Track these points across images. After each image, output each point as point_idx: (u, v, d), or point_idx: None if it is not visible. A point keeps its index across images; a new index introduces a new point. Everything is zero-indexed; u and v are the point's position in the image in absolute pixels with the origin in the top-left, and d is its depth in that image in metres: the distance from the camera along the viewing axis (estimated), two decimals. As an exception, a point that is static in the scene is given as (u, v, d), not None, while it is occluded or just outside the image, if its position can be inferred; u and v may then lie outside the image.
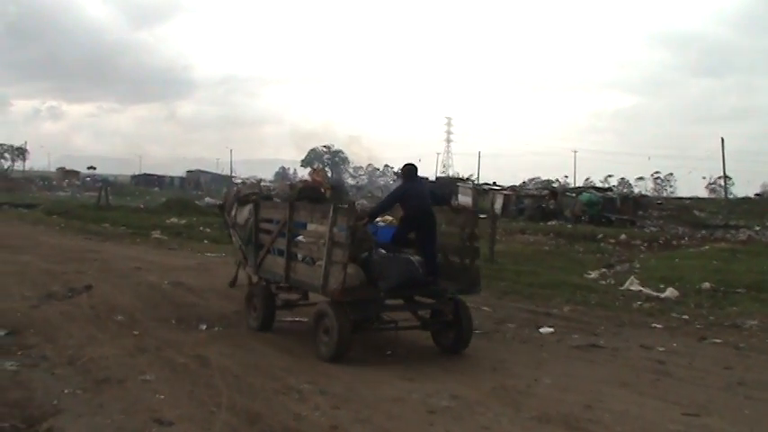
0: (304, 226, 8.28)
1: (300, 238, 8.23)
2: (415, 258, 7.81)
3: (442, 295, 7.99)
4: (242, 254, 9.64)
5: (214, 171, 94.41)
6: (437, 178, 74.01)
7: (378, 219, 8.72)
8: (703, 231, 31.28)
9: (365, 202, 54.76)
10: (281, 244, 8.44)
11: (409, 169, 8.40)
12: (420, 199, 8.23)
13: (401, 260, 7.71)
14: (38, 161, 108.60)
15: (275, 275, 8.70)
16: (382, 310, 7.97)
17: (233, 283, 10.45)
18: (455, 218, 8.52)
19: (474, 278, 8.13)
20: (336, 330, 7.22)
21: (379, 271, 7.56)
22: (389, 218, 8.99)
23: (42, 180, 73.90)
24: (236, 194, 10.23)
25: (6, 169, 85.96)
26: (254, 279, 9.43)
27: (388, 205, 8.59)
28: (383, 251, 7.81)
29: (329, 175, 65.18)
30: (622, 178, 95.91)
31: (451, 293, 7.99)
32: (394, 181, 61.81)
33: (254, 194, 9.80)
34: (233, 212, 10.01)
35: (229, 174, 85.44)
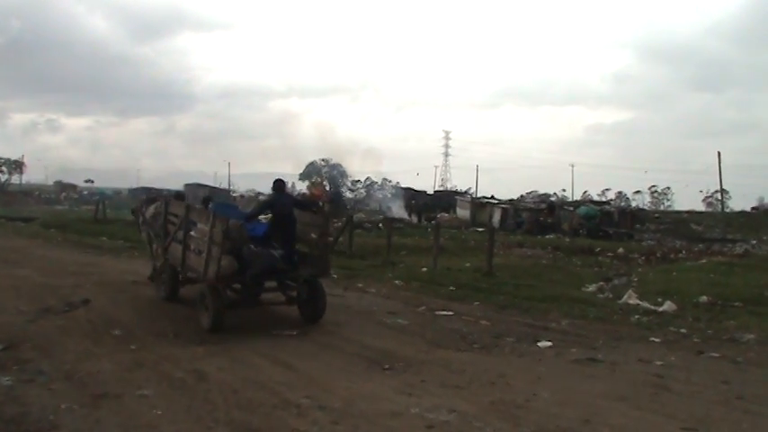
0: (195, 224, 10.31)
1: (193, 233, 10.27)
2: (278, 252, 10.12)
3: (299, 279, 10.42)
4: (150, 248, 12.39)
5: (212, 185, 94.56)
6: (435, 191, 74.13)
7: (261, 217, 11.51)
8: (701, 245, 31.33)
9: (363, 214, 54.60)
10: (180, 236, 10.66)
11: (278, 183, 11.08)
12: (284, 206, 10.72)
13: (265, 254, 9.97)
14: (35, 174, 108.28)
15: (175, 260, 10.93)
16: (252, 293, 10.50)
17: (152, 277, 12.49)
18: (315, 219, 11.11)
19: (325, 265, 10.76)
20: (212, 308, 9.46)
21: (248, 262, 9.75)
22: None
23: (40, 193, 73.80)
24: (147, 197, 13.19)
25: (3, 182, 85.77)
26: (162, 260, 11.76)
27: (260, 211, 11.27)
28: (252, 247, 9.95)
29: (327, 188, 65.09)
30: (620, 192, 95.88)
31: (307, 277, 10.38)
32: (392, 195, 61.81)
33: (158, 197, 13.11)
34: (144, 211, 12.58)
35: (227, 187, 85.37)
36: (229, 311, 9.77)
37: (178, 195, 14.84)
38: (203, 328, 9.45)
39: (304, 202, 13.91)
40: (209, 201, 12.63)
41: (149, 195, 13.20)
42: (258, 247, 10.02)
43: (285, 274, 10.33)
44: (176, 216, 10.98)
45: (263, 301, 10.92)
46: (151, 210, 12.25)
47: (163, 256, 11.61)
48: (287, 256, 10.28)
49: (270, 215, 11.21)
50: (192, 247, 10.26)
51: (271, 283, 10.55)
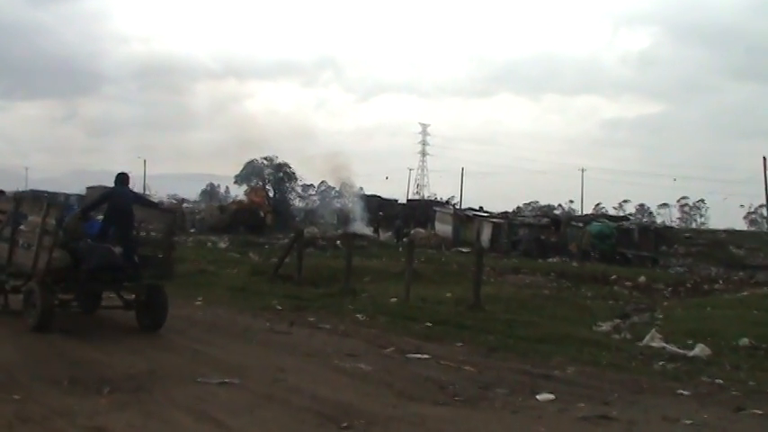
0: (26, 217, 11.97)
1: (23, 227, 11.80)
2: (116, 249, 11.76)
3: (139, 280, 12.03)
4: None
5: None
6: (409, 200, 74.41)
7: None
8: (741, 273, 31.83)
9: (316, 229, 54.52)
10: (8, 232, 12.05)
11: (120, 177, 12.72)
12: (122, 201, 12.40)
13: (102, 248, 11.58)
14: None
15: (2, 259, 12.29)
16: (85, 291, 12.16)
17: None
18: (161, 217, 13.20)
19: (168, 268, 12.79)
20: (40, 305, 10.83)
21: (82, 256, 11.23)
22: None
23: None
24: None
25: None
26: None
27: (96, 204, 12.93)
28: (89, 241, 11.69)
29: (271, 194, 64.84)
30: (642, 205, 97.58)
31: (147, 279, 12.11)
32: (354, 204, 61.80)
33: None
34: None
35: (142, 191, 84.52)
36: (60, 312, 11.53)
37: None
38: (30, 329, 10.93)
39: (147, 200, 15.57)
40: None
41: None
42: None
43: (124, 273, 11.95)
44: (3, 213, 12.52)
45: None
46: None
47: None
48: (126, 253, 11.97)
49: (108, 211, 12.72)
50: (21, 242, 11.79)
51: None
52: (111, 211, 12.45)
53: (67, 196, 47.45)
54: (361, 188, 67.60)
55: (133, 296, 12.49)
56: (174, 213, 15.15)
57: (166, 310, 12.27)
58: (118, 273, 11.87)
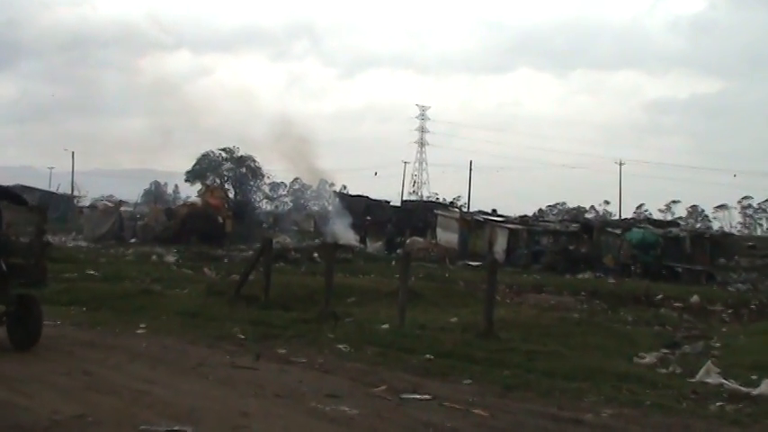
0: None
1: None
2: None
3: (5, 288, 12.77)
4: None
5: (45, 188, 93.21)
6: (404, 202, 74.50)
7: None
8: (819, 291, 31.89)
9: (288, 238, 54.48)
10: None
11: None
12: None
13: None
14: None
15: None
16: None
17: None
18: (28, 217, 13.89)
19: (40, 274, 13.65)
20: None
21: None
22: None
23: None
24: None
25: None
26: None
27: None
28: None
29: (231, 195, 64.85)
30: (694, 206, 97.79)
31: (16, 289, 12.95)
32: (335, 206, 61.69)
33: None
34: None
35: (70, 192, 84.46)
36: None
37: None
38: None
39: (11, 192, 15.87)
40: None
41: None
42: None
43: None
44: None
45: None
46: None
47: None
48: None
49: None
50: None
51: None
52: None
53: None
54: (344, 186, 67.72)
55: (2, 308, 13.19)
56: (43, 210, 15.52)
57: (41, 323, 13.31)
58: None
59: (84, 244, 48.56)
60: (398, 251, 43.16)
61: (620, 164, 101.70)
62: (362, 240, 51.37)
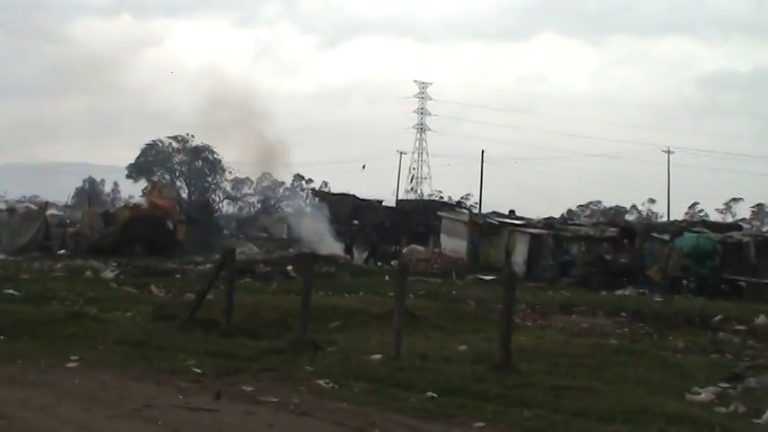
0: None
1: None
2: None
3: None
4: None
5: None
6: (399, 202, 74.72)
7: None
8: None
9: (254, 247, 54.78)
10: None
11: None
12: None
13: None
14: None
15: None
16: None
17: None
18: None
19: None
20: None
21: None
22: None
23: None
24: None
25: None
26: None
27: None
28: None
29: (184, 194, 64.96)
30: (760, 205, 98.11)
31: None
32: (313, 208, 61.84)
33: None
34: None
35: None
36: None
37: None
38: None
39: None
40: None
41: None
42: None
43: None
44: None
45: None
46: None
47: None
48: None
49: None
50: None
51: None
52: None
53: None
54: (326, 183, 67.86)
55: None
56: None
57: None
58: None
59: (1, 256, 48.61)
60: (387, 264, 43.18)
61: (669, 153, 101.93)
62: (348, 250, 51.42)
